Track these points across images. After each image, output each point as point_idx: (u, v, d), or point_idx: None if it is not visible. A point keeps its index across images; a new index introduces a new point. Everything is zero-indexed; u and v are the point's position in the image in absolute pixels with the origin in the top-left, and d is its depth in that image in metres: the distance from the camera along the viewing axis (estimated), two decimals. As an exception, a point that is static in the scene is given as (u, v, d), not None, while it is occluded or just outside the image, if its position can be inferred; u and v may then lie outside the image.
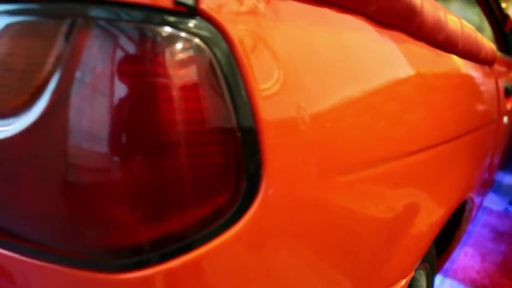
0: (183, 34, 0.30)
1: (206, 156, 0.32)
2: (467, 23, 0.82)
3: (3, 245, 0.34)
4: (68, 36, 0.29)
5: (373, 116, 0.48)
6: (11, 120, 0.31)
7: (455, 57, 0.79)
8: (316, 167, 0.40)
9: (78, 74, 0.29)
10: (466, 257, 1.58)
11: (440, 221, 0.75)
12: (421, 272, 0.91)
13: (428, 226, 0.70)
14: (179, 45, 0.30)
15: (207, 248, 0.33)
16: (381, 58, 0.52)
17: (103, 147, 0.29)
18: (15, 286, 0.36)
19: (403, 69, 0.56)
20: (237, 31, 0.32)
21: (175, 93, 0.30)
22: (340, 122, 0.43)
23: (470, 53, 0.85)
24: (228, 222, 0.34)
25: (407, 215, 0.62)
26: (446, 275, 1.44)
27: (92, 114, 0.29)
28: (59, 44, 0.29)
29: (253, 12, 0.34)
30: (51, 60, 0.29)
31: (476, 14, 1.47)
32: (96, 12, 0.29)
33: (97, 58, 0.29)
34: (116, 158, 0.29)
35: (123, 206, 0.30)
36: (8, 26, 0.31)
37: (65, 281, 0.33)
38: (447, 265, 1.51)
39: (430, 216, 0.70)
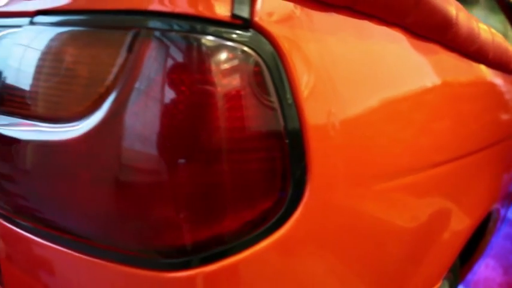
0: (238, 45, 0.31)
1: (254, 162, 0.33)
2: (497, 33, 0.81)
3: (58, 241, 0.36)
4: (131, 47, 0.31)
5: (403, 125, 0.49)
6: (73, 123, 0.33)
7: (484, 68, 0.79)
8: (352, 174, 0.41)
9: (138, 83, 0.30)
10: (487, 269, 1.55)
11: (468, 232, 0.75)
12: (445, 282, 0.90)
13: (456, 237, 0.70)
14: (235, 56, 0.31)
15: (247, 253, 0.34)
16: (413, 68, 0.52)
17: (155, 152, 0.31)
18: (67, 280, 0.38)
19: (433, 80, 0.57)
20: (285, 42, 0.34)
21: (229, 101, 0.31)
22: (371, 129, 0.43)
23: (500, 63, 0.84)
24: (271, 228, 0.35)
25: (436, 225, 0.62)
26: (467, 286, 1.42)
27: (148, 120, 0.31)
28: (122, 54, 0.31)
29: (299, 24, 0.35)
30: (114, 69, 0.31)
31: (500, 22, 1.46)
32: (156, 24, 0.31)
33: (157, 67, 0.30)
34: (167, 163, 0.31)
35: (172, 209, 0.32)
36: (73, 35, 0.33)
37: (114, 276, 0.34)
38: (469, 276, 1.48)
39: (458, 227, 0.70)
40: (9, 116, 0.36)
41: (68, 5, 0.35)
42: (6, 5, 0.39)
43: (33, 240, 0.37)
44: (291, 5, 0.35)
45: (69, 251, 0.36)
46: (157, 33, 0.31)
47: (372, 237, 0.47)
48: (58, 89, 0.33)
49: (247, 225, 0.34)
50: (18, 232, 0.39)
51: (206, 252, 0.33)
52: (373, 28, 0.46)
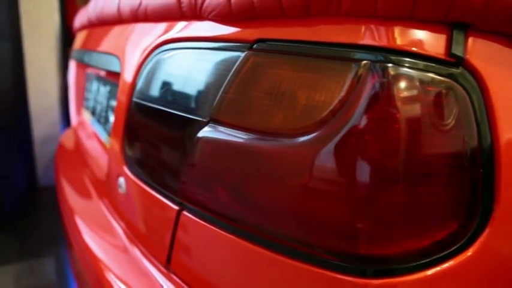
0: (452, 81, 0.35)
1: (452, 186, 0.36)
2: None
3: (258, 242, 0.42)
4: (354, 78, 0.35)
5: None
6: (291, 140, 0.38)
7: None
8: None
9: (357, 112, 0.35)
10: None
11: None
12: None
13: None
14: (449, 91, 0.35)
15: (434, 270, 0.37)
16: None
17: (367, 172, 0.35)
18: (259, 280, 0.43)
19: None
20: (490, 79, 0.36)
21: (438, 130, 0.35)
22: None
23: None
24: (455, 251, 0.38)
25: None
26: None
27: (367, 143, 0.35)
28: (345, 83, 0.36)
29: (503, 62, 0.38)
30: (335, 96, 0.36)
31: None
32: (375, 57, 0.35)
33: (378, 96, 0.35)
34: (372, 180, 0.35)
35: (373, 223, 0.36)
36: (293, 62, 0.39)
37: (313, 279, 0.39)
38: None
39: None
40: (225, 127, 0.43)
41: (288, 33, 0.40)
42: (223, 31, 0.46)
43: (230, 238, 0.44)
44: (497, 45, 0.37)
45: (270, 253, 0.41)
46: (377, 66, 0.35)
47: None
48: (278, 107, 0.39)
49: (435, 245, 0.37)
50: (213, 229, 0.46)
51: (404, 264, 0.36)
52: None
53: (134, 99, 0.61)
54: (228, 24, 0.45)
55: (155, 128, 0.56)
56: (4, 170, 2.00)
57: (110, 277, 0.63)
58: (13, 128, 2.12)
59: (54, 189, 2.83)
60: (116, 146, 0.70)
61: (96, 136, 1.12)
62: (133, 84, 0.62)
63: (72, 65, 1.43)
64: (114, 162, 0.72)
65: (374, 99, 0.35)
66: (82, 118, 1.37)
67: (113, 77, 0.94)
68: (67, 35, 2.68)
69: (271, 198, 0.40)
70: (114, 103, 0.92)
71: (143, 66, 0.60)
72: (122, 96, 0.66)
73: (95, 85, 1.17)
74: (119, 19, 0.71)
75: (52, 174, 2.88)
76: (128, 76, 0.65)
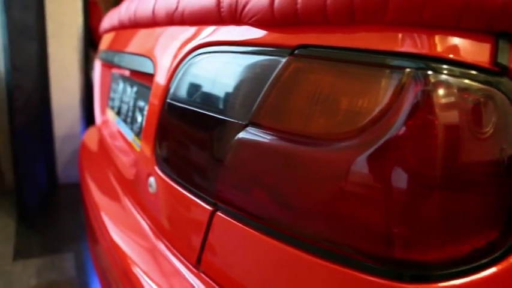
0: (496, 90, 0.35)
1: (491, 194, 0.36)
2: None
3: (294, 243, 0.43)
4: (398, 86, 0.36)
5: None
6: (331, 145, 0.39)
7: None
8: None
9: (400, 119, 0.35)
10: None
11: None
12: None
13: None
14: (489, 99, 0.35)
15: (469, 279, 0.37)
16: None
17: (407, 179, 0.36)
18: (293, 281, 0.44)
19: None
20: None
21: (478, 138, 0.35)
22: None
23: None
24: (495, 259, 0.38)
25: None
26: None
27: (401, 152, 0.35)
28: (388, 92, 0.36)
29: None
30: (378, 104, 0.36)
31: None
32: (420, 65, 0.36)
33: (421, 104, 0.35)
34: (412, 188, 0.36)
35: (411, 229, 0.36)
36: (335, 68, 0.40)
37: (348, 281, 0.40)
38: None
39: None
40: (264, 130, 0.44)
41: (330, 40, 0.41)
42: (262, 36, 0.47)
43: (266, 239, 0.44)
44: None
45: (308, 256, 0.42)
46: (420, 74, 0.36)
47: None
48: (319, 113, 0.40)
49: (474, 253, 0.37)
50: (248, 230, 0.47)
51: (441, 270, 0.37)
52: None
53: (168, 101, 0.63)
54: (269, 30, 0.46)
55: (190, 130, 0.58)
56: (27, 167, 2.05)
57: (140, 274, 0.65)
58: (37, 125, 2.17)
59: (73, 186, 2.88)
60: (147, 146, 0.71)
61: (121, 135, 1.14)
62: (168, 86, 0.64)
63: (98, 65, 1.46)
64: (145, 162, 0.73)
65: (418, 107, 0.35)
66: (106, 117, 1.40)
67: (141, 78, 0.96)
68: (89, 36, 2.74)
69: (310, 200, 0.40)
70: (141, 104, 0.94)
71: (178, 69, 0.61)
72: (155, 97, 0.68)
73: (120, 85, 1.19)
74: (153, 22, 0.72)
75: (71, 172, 2.94)
76: (162, 78, 0.66)
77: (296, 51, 0.43)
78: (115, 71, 1.33)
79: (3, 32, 1.81)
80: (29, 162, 2.06)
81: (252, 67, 0.48)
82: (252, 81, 0.47)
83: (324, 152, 0.39)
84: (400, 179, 0.36)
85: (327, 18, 0.40)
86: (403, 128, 0.35)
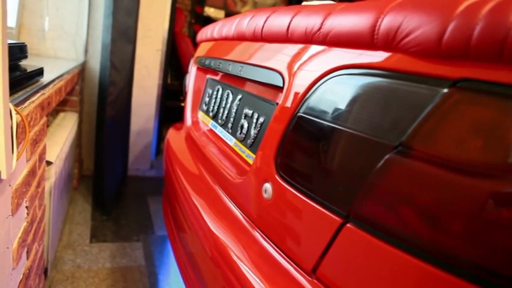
0: None
1: None
2: None
3: (438, 264, 0.44)
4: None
5: None
6: (492, 175, 0.41)
7: None
8: None
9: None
10: None
11: None
12: None
13: None
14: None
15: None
16: None
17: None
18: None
19: None
20: None
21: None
22: None
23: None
24: None
25: None
26: None
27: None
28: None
29: None
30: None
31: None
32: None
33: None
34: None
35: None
36: (500, 106, 0.42)
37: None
38: None
39: None
40: (419, 153, 0.47)
41: (495, 76, 0.43)
42: (419, 65, 0.50)
43: (404, 257, 0.47)
44: None
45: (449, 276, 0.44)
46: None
47: None
48: (477, 144, 0.42)
49: None
50: (384, 246, 0.49)
51: None
52: None
53: (301, 115, 0.67)
54: (428, 60, 0.49)
55: (324, 144, 0.61)
56: (110, 158, 2.20)
57: (251, 277, 0.68)
58: (121, 119, 2.33)
59: (139, 179, 3.03)
60: (267, 154, 0.76)
61: (217, 137, 1.20)
62: (301, 101, 0.68)
63: (193, 70, 1.56)
64: (261, 169, 0.78)
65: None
66: (197, 118, 1.48)
67: (253, 89, 1.01)
68: (172, 40, 2.90)
69: (463, 225, 0.42)
70: (247, 111, 0.99)
71: (316, 85, 0.65)
72: (284, 110, 0.72)
73: (219, 91, 1.26)
74: (286, 38, 0.77)
75: (139, 166, 3.10)
76: (294, 93, 0.71)
77: (459, 84, 0.45)
78: (210, 76, 1.41)
79: (107, 32, 1.98)
80: (111, 152, 2.21)
81: (404, 94, 0.50)
82: (404, 106, 0.50)
83: (486, 182, 0.41)
84: None
85: (502, 55, 0.42)
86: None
